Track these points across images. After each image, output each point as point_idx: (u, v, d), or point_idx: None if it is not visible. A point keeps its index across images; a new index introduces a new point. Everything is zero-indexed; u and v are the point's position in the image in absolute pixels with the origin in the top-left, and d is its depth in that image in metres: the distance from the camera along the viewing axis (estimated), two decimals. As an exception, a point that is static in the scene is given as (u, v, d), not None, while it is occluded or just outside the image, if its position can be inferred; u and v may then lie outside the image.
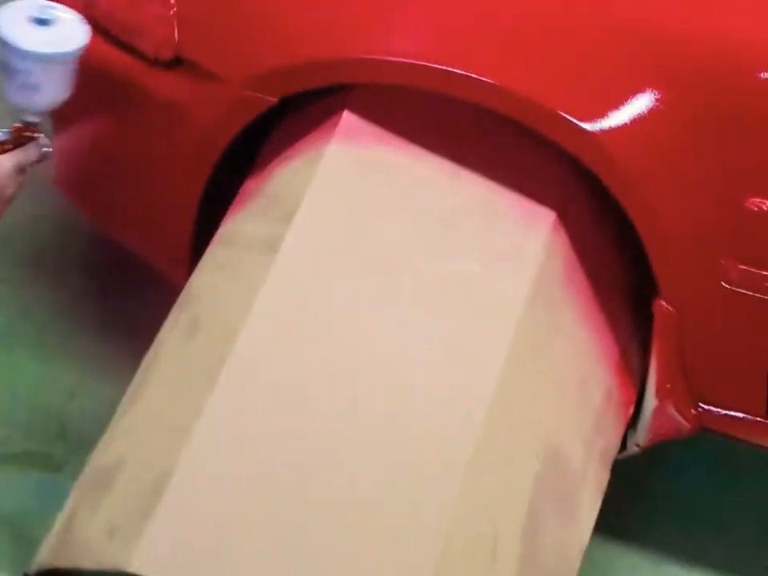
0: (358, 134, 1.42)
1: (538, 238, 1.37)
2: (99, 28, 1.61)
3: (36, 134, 1.42)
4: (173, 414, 1.23)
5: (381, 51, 1.38)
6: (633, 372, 1.49)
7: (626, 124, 1.31)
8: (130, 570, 1.11)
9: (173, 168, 1.59)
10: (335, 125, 1.42)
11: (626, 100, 1.31)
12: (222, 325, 1.29)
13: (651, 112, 1.30)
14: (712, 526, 1.74)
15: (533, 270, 1.34)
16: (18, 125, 1.42)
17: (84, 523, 1.21)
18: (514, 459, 1.26)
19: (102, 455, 1.28)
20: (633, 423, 1.53)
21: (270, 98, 1.44)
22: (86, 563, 1.16)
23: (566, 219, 1.41)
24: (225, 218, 1.52)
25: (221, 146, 1.51)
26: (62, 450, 1.74)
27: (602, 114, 1.31)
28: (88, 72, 1.62)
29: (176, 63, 1.52)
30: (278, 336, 1.26)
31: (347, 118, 1.42)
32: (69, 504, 1.30)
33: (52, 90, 1.42)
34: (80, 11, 1.64)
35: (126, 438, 1.27)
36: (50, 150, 1.46)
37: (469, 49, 1.35)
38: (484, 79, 1.32)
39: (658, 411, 1.51)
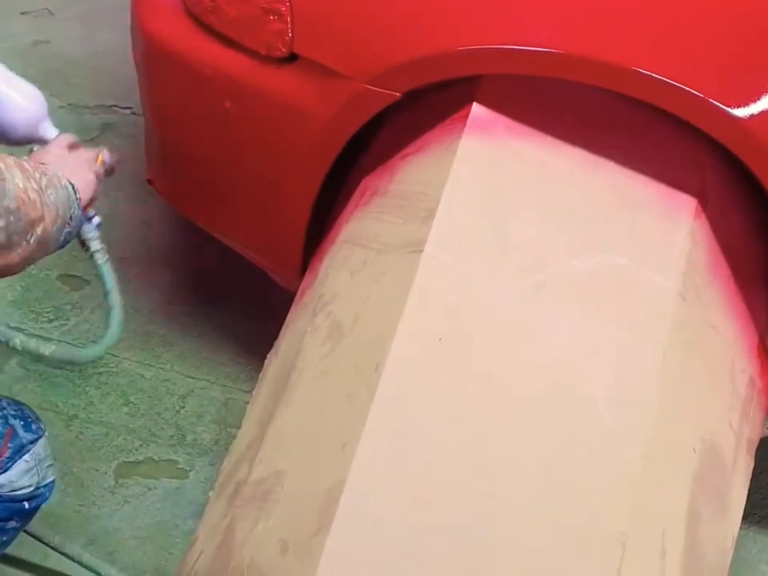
0: (490, 126, 1.38)
1: (682, 227, 1.33)
2: (203, 24, 1.60)
3: None
4: (332, 426, 1.20)
5: (512, 41, 1.34)
6: (772, 357, 1.47)
7: (774, 108, 1.29)
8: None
9: (287, 166, 1.56)
10: (464, 118, 1.39)
11: (775, 83, 1.29)
12: (371, 331, 1.26)
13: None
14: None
15: (681, 260, 1.30)
16: None
17: (248, 537, 1.18)
18: (676, 455, 1.24)
19: (254, 467, 1.26)
20: (768, 408, 1.52)
21: (394, 93, 1.41)
22: (259, 580, 1.15)
23: (706, 205, 1.37)
24: (342, 217, 1.50)
25: (340, 142, 1.48)
26: (184, 456, 1.74)
27: (750, 99, 1.28)
28: (191, 69, 1.61)
29: (289, 59, 1.50)
30: (431, 340, 1.23)
31: (477, 110, 1.39)
32: (214, 515, 1.29)
33: None
34: (181, 7, 1.63)
35: (281, 451, 1.24)
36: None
37: (608, 34, 1.31)
38: (626, 66, 1.29)
39: (795, 394, 1.50)
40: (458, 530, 1.11)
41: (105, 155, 1.49)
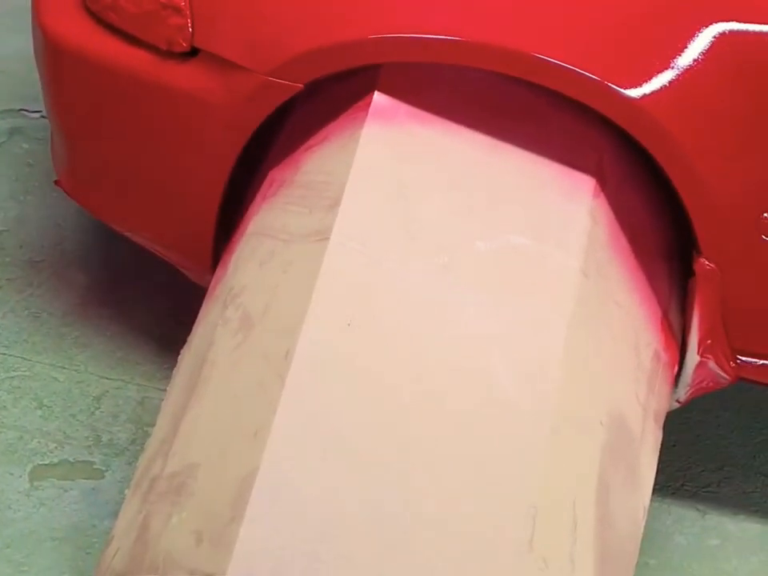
0: (392, 114, 1.39)
1: (582, 206, 1.36)
2: (103, 22, 1.59)
3: None
4: (244, 416, 1.20)
5: (411, 29, 1.36)
6: (675, 331, 1.50)
7: (667, 88, 1.31)
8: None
9: (193, 161, 1.55)
10: (366, 106, 1.40)
11: (668, 64, 1.31)
12: (280, 319, 1.27)
13: (693, 74, 1.30)
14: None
15: (582, 238, 1.34)
16: None
17: (163, 531, 1.18)
18: (583, 428, 1.27)
19: (168, 461, 1.25)
20: (675, 380, 1.56)
21: (296, 84, 1.42)
22: (175, 572, 1.15)
23: (604, 184, 1.40)
24: (251, 209, 1.50)
25: (245, 135, 1.48)
26: (100, 456, 1.73)
27: (643, 79, 1.31)
28: (93, 67, 1.60)
29: (191, 54, 1.49)
30: (340, 326, 1.24)
31: (378, 98, 1.40)
32: (130, 512, 1.28)
33: None
34: (81, 4, 1.62)
35: (194, 443, 1.24)
36: None
37: (503, 20, 1.33)
38: (522, 51, 1.31)
39: (700, 367, 1.53)
40: (370, 512, 1.13)
41: None
